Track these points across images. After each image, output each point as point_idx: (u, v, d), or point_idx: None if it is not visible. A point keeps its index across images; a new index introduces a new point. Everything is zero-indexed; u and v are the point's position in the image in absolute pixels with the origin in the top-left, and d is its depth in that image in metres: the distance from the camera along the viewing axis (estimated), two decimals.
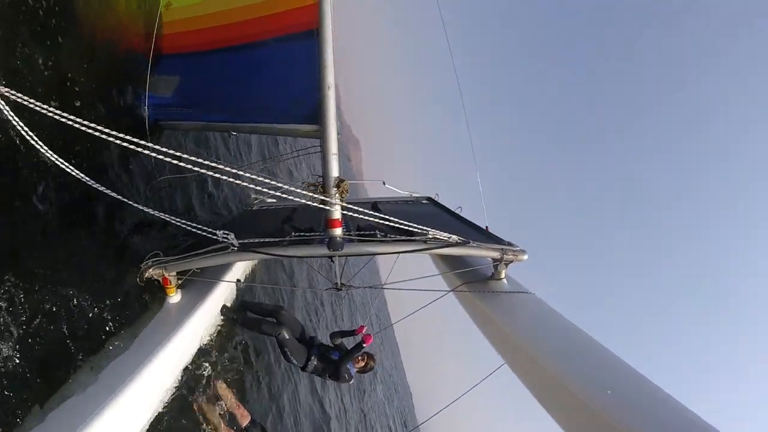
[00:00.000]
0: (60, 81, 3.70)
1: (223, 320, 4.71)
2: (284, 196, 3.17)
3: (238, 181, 2.88)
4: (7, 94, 2.05)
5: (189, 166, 2.72)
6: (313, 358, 5.09)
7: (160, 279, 3.66)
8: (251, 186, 2.93)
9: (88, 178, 2.53)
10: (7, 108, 2.10)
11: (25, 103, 2.10)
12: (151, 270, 3.55)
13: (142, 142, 2.41)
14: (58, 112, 2.16)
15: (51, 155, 2.37)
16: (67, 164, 2.47)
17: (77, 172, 2.51)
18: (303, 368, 5.02)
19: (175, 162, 2.57)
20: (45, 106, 2.13)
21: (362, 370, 5.28)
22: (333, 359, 5.12)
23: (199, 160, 2.66)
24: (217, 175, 2.78)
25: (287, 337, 4.82)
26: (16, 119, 2.16)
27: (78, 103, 3.91)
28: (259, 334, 5.19)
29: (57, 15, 3.76)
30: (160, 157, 2.52)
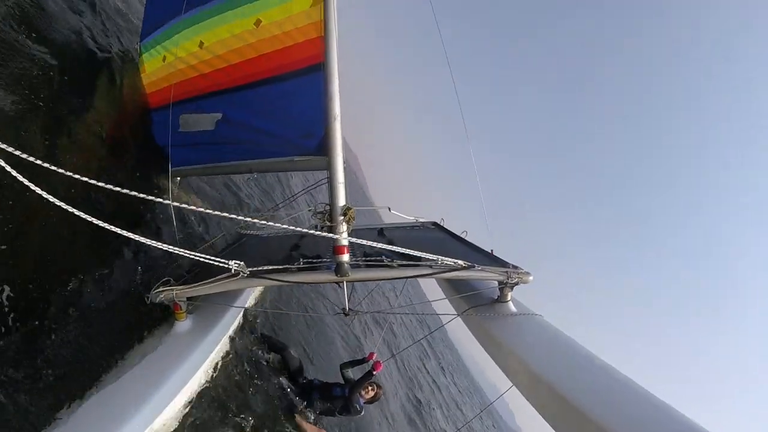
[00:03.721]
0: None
1: (233, 345, 4.76)
2: (293, 228, 3.26)
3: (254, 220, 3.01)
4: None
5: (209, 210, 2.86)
6: (316, 401, 5.21)
7: (170, 304, 3.72)
8: (263, 222, 3.04)
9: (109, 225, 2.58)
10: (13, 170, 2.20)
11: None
12: (161, 296, 3.61)
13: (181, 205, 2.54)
14: (76, 175, 2.25)
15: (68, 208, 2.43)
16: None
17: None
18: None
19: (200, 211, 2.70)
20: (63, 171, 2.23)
21: (371, 401, 5.30)
22: (336, 396, 5.20)
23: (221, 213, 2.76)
24: (236, 217, 2.91)
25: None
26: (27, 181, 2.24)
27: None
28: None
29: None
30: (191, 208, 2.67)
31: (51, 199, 2.22)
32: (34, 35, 4.05)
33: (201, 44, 4.42)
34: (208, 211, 2.92)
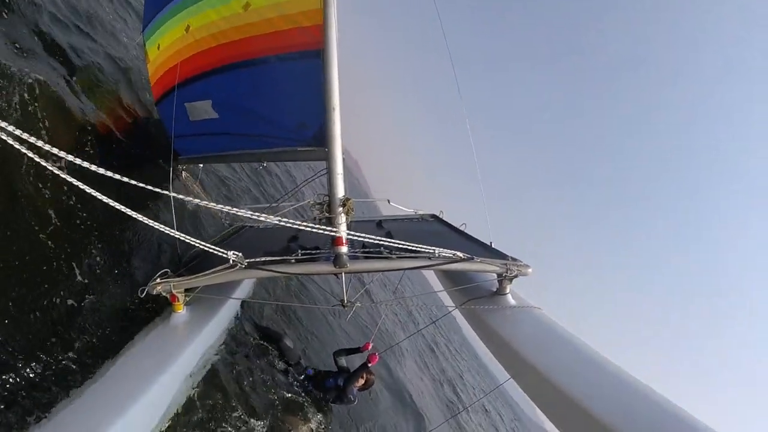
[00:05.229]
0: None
1: (230, 336, 4.76)
2: (292, 222, 3.24)
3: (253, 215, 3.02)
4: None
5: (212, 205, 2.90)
6: (309, 390, 5.27)
7: (168, 295, 3.71)
8: (261, 217, 3.05)
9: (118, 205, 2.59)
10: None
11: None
12: (159, 287, 3.60)
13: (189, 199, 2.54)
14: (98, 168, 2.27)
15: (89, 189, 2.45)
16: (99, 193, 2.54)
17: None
18: None
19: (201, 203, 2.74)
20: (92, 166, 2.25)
21: (363, 388, 5.34)
22: (329, 387, 5.25)
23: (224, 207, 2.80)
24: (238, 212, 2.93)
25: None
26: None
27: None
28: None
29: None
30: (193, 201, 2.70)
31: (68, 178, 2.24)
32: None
33: (188, 28, 4.37)
34: (210, 205, 2.95)
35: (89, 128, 4.40)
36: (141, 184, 2.49)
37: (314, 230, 3.27)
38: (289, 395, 5.21)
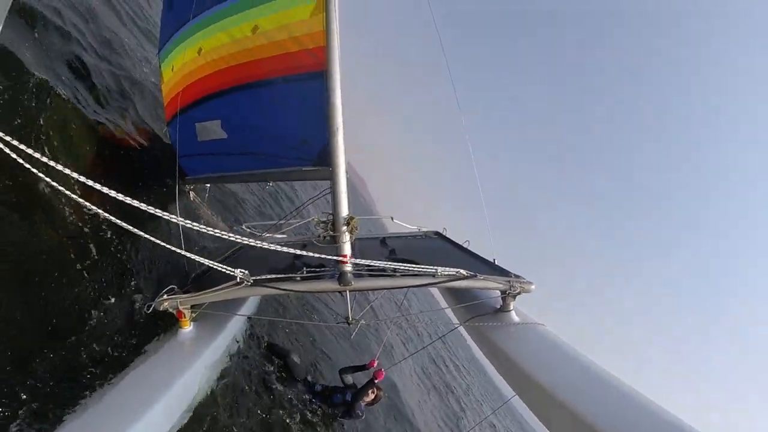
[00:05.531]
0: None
1: (237, 352, 4.79)
2: (294, 244, 3.33)
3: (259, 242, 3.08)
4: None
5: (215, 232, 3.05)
6: (317, 406, 5.31)
7: (174, 312, 3.76)
8: (264, 243, 3.18)
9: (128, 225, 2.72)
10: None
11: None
12: (165, 304, 3.65)
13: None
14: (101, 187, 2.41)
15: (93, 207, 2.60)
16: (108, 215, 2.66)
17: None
18: None
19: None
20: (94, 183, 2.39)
21: (372, 403, 5.36)
22: (336, 403, 5.27)
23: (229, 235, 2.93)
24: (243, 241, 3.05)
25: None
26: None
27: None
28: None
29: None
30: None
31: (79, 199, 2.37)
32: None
33: (200, 51, 4.53)
34: (214, 232, 3.07)
35: (104, 148, 4.55)
36: (151, 209, 2.65)
37: (319, 248, 3.33)
38: (297, 411, 5.22)
